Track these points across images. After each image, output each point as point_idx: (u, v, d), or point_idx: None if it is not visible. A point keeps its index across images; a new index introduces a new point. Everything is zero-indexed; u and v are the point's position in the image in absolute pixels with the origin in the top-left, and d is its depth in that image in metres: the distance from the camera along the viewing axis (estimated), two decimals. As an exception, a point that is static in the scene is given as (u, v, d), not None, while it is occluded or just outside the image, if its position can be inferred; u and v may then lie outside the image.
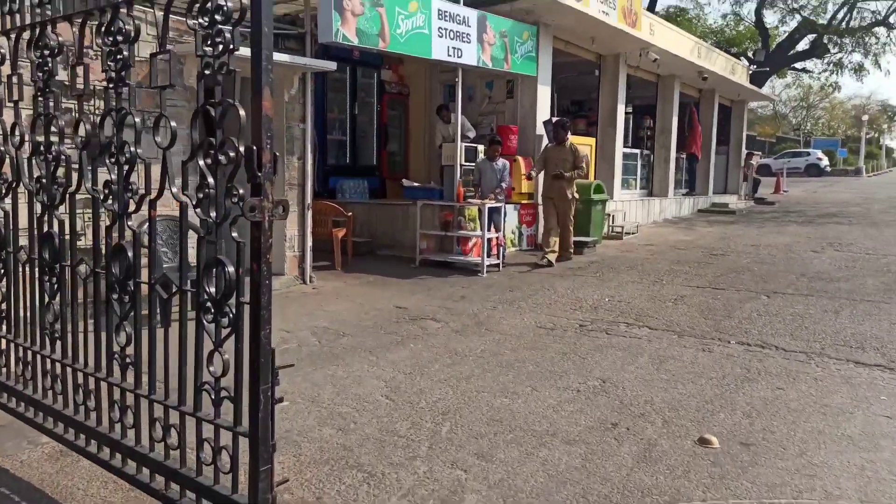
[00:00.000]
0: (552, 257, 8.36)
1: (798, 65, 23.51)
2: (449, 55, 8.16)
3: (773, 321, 5.58)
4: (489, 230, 7.91)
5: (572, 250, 8.78)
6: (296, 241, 7.00)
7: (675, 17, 23.30)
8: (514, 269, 8.10)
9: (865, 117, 50.65)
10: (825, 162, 41.16)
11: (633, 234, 11.63)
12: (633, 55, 11.95)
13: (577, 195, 8.72)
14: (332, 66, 7.02)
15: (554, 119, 9.50)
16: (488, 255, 7.91)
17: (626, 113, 13.58)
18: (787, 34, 21.45)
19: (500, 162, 8.36)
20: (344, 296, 6.54)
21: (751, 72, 19.77)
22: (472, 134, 9.83)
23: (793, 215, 15.26)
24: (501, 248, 8.25)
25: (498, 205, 8.10)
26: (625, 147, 13.13)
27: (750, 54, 21.36)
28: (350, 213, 8.26)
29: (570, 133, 8.83)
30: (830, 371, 4.31)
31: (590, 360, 4.55)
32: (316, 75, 9.54)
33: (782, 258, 8.98)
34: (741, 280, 7.46)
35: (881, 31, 20.00)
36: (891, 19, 19.77)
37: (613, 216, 11.83)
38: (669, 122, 14.26)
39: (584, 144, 11.18)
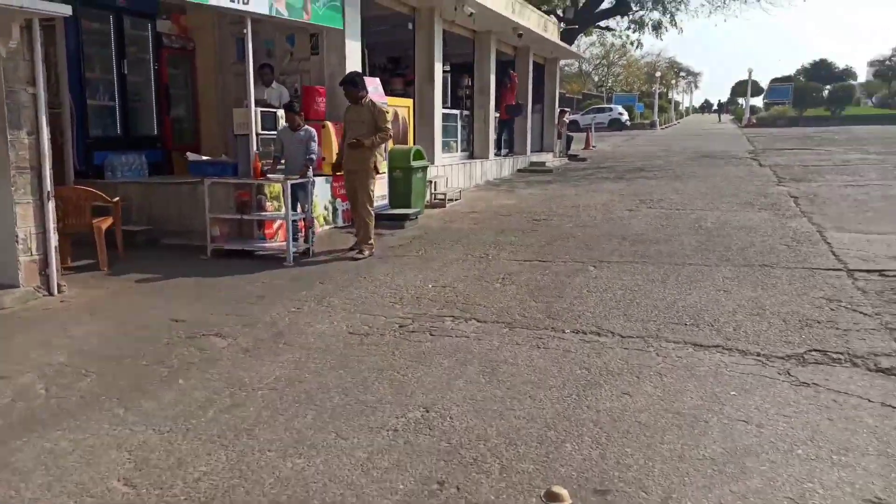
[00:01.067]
0: (368, 251, 6.96)
1: (602, 23, 24.46)
2: (232, 1, 6.78)
3: (605, 298, 5.16)
4: (294, 210, 6.77)
5: (372, 241, 6.99)
6: (32, 240, 5.39)
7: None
8: (327, 254, 7.08)
9: (658, 74, 55.33)
10: (626, 117, 44.37)
11: (456, 200, 11.06)
12: (448, 9, 11.17)
13: (379, 166, 7.23)
14: (65, 9, 5.36)
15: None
16: (294, 240, 6.80)
17: (445, 71, 12.89)
18: (594, -8, 22.18)
19: (304, 131, 7.17)
20: (102, 310, 5.12)
21: (561, 29, 20.07)
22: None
23: (604, 171, 15.72)
24: (311, 231, 7.16)
25: (304, 180, 6.96)
26: (444, 108, 12.47)
27: (559, 12, 21.73)
28: (116, 199, 6.68)
29: (365, 89, 7.10)
30: (672, 361, 3.87)
31: (411, 377, 3.72)
32: (67, 25, 7.69)
33: (602, 220, 8.86)
34: (567, 248, 7.10)
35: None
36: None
37: (436, 182, 11.17)
38: (487, 80, 13.81)
39: (401, 106, 10.30)
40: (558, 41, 17.36)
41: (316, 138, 7.32)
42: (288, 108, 7.26)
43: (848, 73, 77.70)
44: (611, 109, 45.68)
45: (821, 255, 6.40)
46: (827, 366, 3.74)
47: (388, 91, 10.40)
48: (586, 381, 3.62)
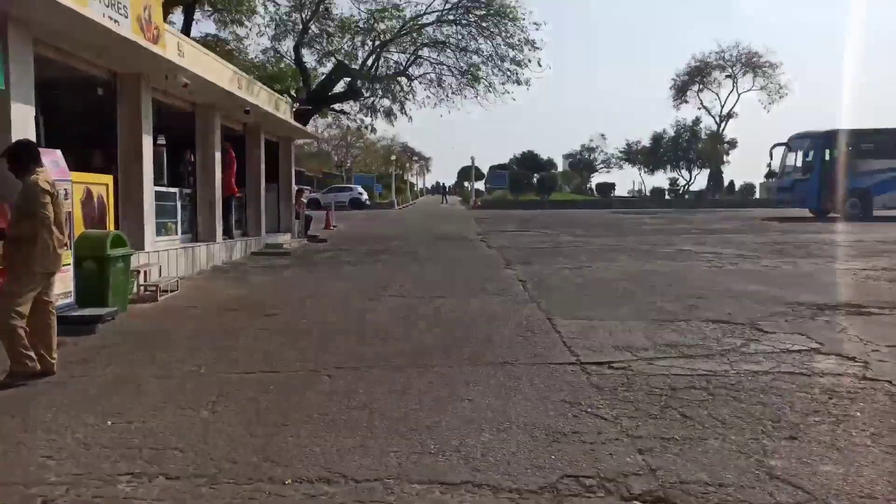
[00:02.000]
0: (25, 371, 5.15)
1: (337, 106, 24.72)
2: None
3: (338, 422, 4.31)
4: None
5: (17, 363, 5.15)
6: None
7: (214, 45, 21.92)
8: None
9: (393, 157, 58.33)
10: (365, 196, 45.55)
11: (172, 292, 9.48)
12: (157, 77, 9.86)
13: (39, 261, 5.18)
14: None
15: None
16: None
17: (160, 145, 11.39)
18: (325, 76, 22.24)
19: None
20: None
21: (295, 109, 19.64)
22: None
23: (344, 254, 15.24)
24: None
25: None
26: (159, 185, 10.92)
27: (293, 92, 21.38)
28: None
29: (34, 163, 5.36)
30: (418, 514, 3.12)
31: None
32: None
33: (341, 313, 8.13)
34: (300, 351, 6.17)
35: (404, 80, 22.40)
36: (409, 70, 22.26)
37: (147, 272, 9.50)
38: (212, 156, 12.57)
39: (96, 183, 8.59)
40: (291, 120, 16.83)
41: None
42: None
43: (550, 164, 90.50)
44: (351, 189, 46.59)
45: (554, 346, 6.38)
46: (582, 498, 3.31)
47: (87, 166, 8.68)
48: (308, 568, 2.67)
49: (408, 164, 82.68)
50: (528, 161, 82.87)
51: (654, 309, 8.22)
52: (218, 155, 12.57)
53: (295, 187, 18.76)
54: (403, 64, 22.10)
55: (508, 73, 20.48)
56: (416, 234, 21.36)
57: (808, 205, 29.58)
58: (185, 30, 19.57)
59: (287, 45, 21.26)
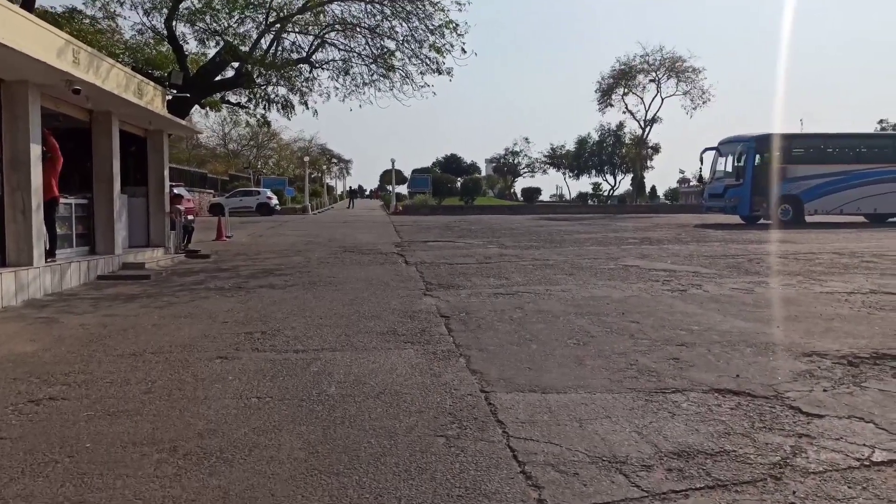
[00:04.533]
0: None
1: (233, 99, 21.41)
2: None
3: None
4: None
5: None
6: None
7: (70, 18, 18.21)
8: None
9: (307, 158, 54.68)
10: (275, 201, 41.86)
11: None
12: None
13: None
14: None
15: None
16: None
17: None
18: (209, 59, 18.90)
19: None
20: None
21: (170, 97, 16.33)
22: None
23: (223, 276, 12.18)
24: None
25: None
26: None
27: (164, 74, 17.95)
28: None
29: None
30: None
31: None
32: None
33: (169, 386, 5.25)
34: (75, 469, 3.31)
35: (305, 67, 19.35)
36: (314, 57, 19.25)
37: None
38: (25, 150, 9.30)
39: None
40: (160, 110, 13.58)
41: None
42: None
43: (474, 168, 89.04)
44: (259, 193, 42.76)
45: (498, 463, 3.80)
46: None
47: None
48: None
49: (325, 167, 78.89)
50: (452, 164, 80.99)
51: (629, 366, 5.81)
52: (35, 148, 9.31)
53: (169, 191, 15.40)
54: (306, 49, 19.08)
55: (427, 61, 17.79)
56: (323, 247, 18.43)
57: (739, 211, 28.56)
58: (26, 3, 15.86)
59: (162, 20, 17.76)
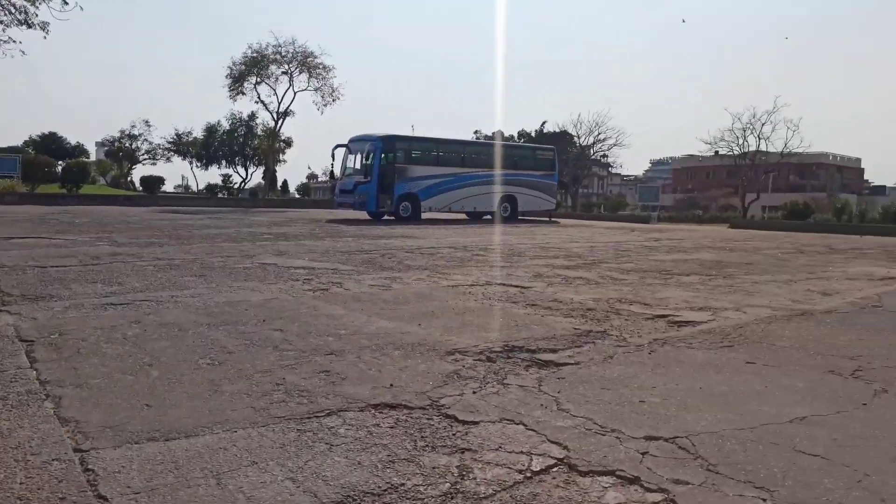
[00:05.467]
0: None
1: None
2: None
3: None
4: None
5: None
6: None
7: None
8: None
9: None
10: None
11: None
12: None
13: None
14: None
15: None
16: None
17: None
18: None
19: None
20: None
21: None
22: None
23: None
24: None
25: None
26: None
27: None
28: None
29: None
30: None
31: None
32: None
33: None
34: None
35: None
36: None
37: None
38: None
39: None
40: None
41: None
42: None
43: (80, 151, 76.97)
44: None
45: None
46: None
47: None
48: None
49: None
50: (51, 145, 68.97)
51: (275, 386, 4.99)
52: None
53: None
54: None
55: (12, 9, 13.97)
56: None
57: (367, 207, 30.12)
58: None
59: None
